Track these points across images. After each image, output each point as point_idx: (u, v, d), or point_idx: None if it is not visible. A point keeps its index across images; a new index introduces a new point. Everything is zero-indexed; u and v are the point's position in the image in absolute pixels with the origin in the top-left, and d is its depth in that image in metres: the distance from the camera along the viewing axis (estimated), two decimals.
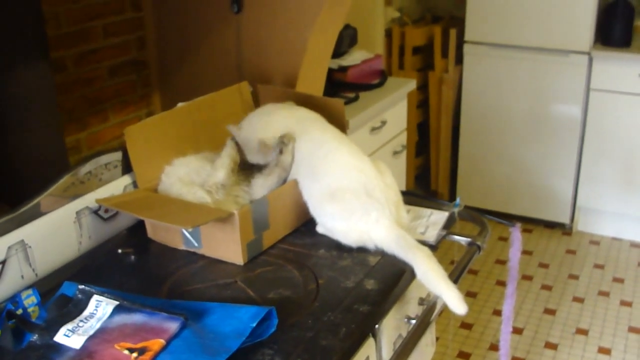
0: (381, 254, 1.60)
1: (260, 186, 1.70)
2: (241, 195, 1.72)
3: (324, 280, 1.51)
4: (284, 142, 1.71)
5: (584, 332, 3.20)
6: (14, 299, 1.40)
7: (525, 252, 3.86)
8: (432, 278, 1.49)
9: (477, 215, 1.86)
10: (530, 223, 4.16)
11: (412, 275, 1.56)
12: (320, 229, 1.71)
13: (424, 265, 1.51)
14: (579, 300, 3.45)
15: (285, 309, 1.38)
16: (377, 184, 1.63)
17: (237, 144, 1.76)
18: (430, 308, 1.53)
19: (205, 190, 1.67)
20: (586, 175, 3.97)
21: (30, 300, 1.41)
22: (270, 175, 1.71)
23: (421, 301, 1.68)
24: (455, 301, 1.46)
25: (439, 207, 1.83)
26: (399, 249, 1.56)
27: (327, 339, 1.30)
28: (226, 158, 1.73)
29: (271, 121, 1.78)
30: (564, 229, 4.15)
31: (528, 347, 3.09)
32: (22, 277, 1.48)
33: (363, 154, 1.71)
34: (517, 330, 3.18)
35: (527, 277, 3.63)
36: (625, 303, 3.41)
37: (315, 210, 1.68)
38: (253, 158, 1.77)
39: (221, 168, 1.70)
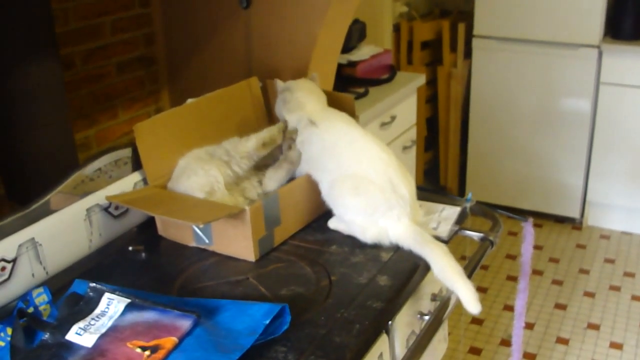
0: (394, 249, 1.59)
1: (270, 179, 1.70)
2: (248, 188, 1.72)
3: (336, 276, 1.49)
4: (292, 139, 1.71)
5: (595, 327, 3.18)
6: (25, 297, 1.40)
7: (536, 247, 3.84)
8: (449, 275, 1.48)
9: (489, 211, 1.85)
10: (540, 218, 4.14)
11: (425, 271, 1.55)
12: (332, 224, 1.70)
13: (441, 262, 1.50)
14: (590, 295, 3.43)
15: (298, 305, 1.37)
16: (402, 179, 1.62)
17: (284, 133, 1.76)
18: (443, 304, 1.52)
19: (223, 162, 1.68)
20: (596, 169, 3.95)
21: (41, 298, 1.40)
22: (279, 169, 1.71)
23: (434, 297, 1.66)
24: (470, 299, 1.45)
25: (450, 202, 1.82)
26: (416, 245, 1.55)
27: (341, 335, 1.29)
28: (265, 132, 1.73)
29: (302, 102, 1.81)
30: (574, 224, 4.13)
31: (539, 342, 3.08)
32: (33, 275, 1.47)
33: (386, 146, 1.70)
34: (528, 326, 3.17)
35: (537, 272, 3.61)
36: (636, 298, 3.39)
37: (335, 201, 1.65)
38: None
39: (254, 137, 1.71)
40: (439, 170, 4.41)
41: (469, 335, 3.13)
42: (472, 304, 1.45)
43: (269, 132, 1.73)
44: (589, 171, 3.98)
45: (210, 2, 2.32)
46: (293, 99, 1.81)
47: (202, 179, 1.65)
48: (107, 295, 1.35)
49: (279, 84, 1.89)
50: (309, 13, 2.15)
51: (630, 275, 3.59)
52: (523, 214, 1.95)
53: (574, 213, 4.09)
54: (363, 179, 1.60)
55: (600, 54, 3.75)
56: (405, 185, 1.61)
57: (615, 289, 3.47)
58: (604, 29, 3.76)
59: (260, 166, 1.76)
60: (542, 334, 3.13)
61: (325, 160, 1.67)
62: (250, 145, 1.71)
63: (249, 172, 1.74)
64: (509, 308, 3.29)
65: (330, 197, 1.66)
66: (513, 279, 3.53)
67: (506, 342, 3.06)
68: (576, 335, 3.13)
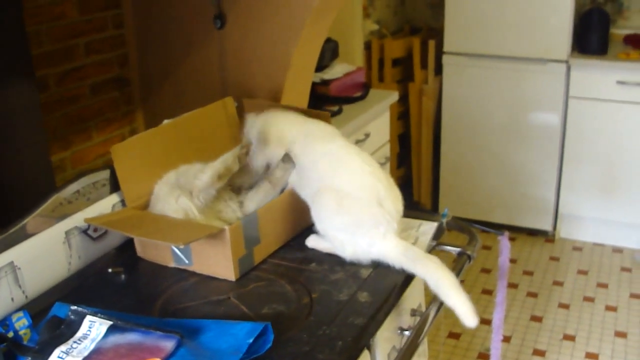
0: (373, 266, 1.60)
1: (250, 200, 1.70)
2: (224, 211, 1.71)
3: (317, 294, 1.50)
4: (284, 161, 1.70)
5: (571, 338, 3.22)
6: (4, 321, 1.39)
7: (510, 260, 3.85)
8: (445, 289, 1.49)
9: (466, 225, 1.87)
10: (513, 231, 4.18)
11: (404, 286, 1.56)
12: (310, 242, 1.70)
13: (435, 275, 1.50)
14: (564, 306, 3.47)
15: (280, 324, 1.37)
16: (391, 194, 1.61)
17: (244, 153, 1.71)
18: (424, 320, 1.53)
19: (189, 194, 1.65)
20: (567, 182, 4.01)
21: (21, 322, 1.39)
22: (259, 189, 1.71)
23: (413, 312, 1.68)
24: (467, 313, 1.47)
25: (426, 218, 1.84)
26: (408, 261, 1.55)
27: (324, 352, 1.30)
28: (220, 162, 1.65)
29: (284, 121, 1.78)
30: (546, 236, 4.18)
31: (517, 355, 3.10)
32: (12, 299, 1.46)
33: (373, 159, 1.70)
34: (505, 339, 3.19)
35: (512, 285, 3.65)
36: (610, 308, 3.43)
37: (318, 215, 1.63)
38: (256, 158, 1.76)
39: (208, 169, 1.64)
40: (412, 186, 4.44)
41: (446, 349, 3.15)
42: (469, 317, 1.47)
43: (223, 163, 1.65)
44: (561, 184, 4.03)
45: (184, 23, 2.33)
46: (269, 137, 1.75)
47: (174, 207, 1.64)
48: (88, 317, 1.34)
49: (248, 119, 1.83)
50: (283, 33, 2.17)
51: (604, 285, 3.64)
52: (496, 227, 1.97)
53: (547, 226, 4.14)
54: (348, 195, 1.59)
55: (568, 69, 3.81)
56: (393, 200, 1.61)
57: (589, 299, 3.52)
58: (571, 44, 3.83)
59: (236, 186, 1.76)
60: (519, 346, 3.16)
61: (310, 180, 1.66)
62: (205, 179, 1.64)
63: (223, 193, 1.73)
64: (486, 322, 3.31)
65: (313, 211, 1.65)
66: (488, 292, 3.56)
67: (484, 356, 3.08)
68: (552, 346, 3.16)
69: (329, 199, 1.61)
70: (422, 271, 1.53)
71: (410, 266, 1.55)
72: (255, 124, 1.80)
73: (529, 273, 3.78)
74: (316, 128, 1.77)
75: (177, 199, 1.64)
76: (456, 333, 3.24)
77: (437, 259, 1.54)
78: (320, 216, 1.64)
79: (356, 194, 1.60)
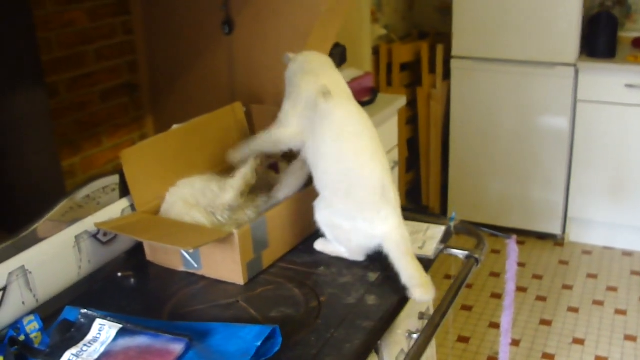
0: (381, 269, 1.61)
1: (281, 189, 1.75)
2: (242, 218, 1.73)
3: (325, 297, 1.51)
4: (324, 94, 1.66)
5: (580, 341, 3.21)
6: (16, 325, 1.40)
7: (519, 264, 3.87)
8: (408, 269, 1.52)
9: (473, 229, 1.87)
10: (522, 235, 4.18)
11: None
12: (318, 246, 1.71)
13: (404, 275, 1.52)
14: (574, 310, 3.46)
15: (288, 327, 1.38)
16: (393, 186, 1.62)
17: (257, 165, 1.73)
18: (432, 322, 1.53)
19: (208, 212, 1.67)
20: (576, 186, 4.00)
21: (32, 326, 1.41)
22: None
23: (421, 315, 1.68)
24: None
25: (434, 222, 1.84)
26: (397, 251, 1.55)
27: (332, 355, 1.31)
28: (240, 179, 1.70)
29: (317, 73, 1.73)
30: (555, 240, 4.17)
31: (526, 359, 3.10)
32: (24, 303, 1.47)
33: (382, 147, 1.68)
34: (514, 342, 3.19)
35: (521, 289, 3.64)
36: (619, 312, 3.42)
37: (324, 196, 1.64)
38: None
39: (231, 189, 1.69)
40: (420, 190, 4.45)
41: (455, 353, 3.15)
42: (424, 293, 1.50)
43: (243, 179, 1.71)
44: (570, 187, 4.03)
45: (193, 29, 2.35)
46: (310, 68, 1.74)
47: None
48: (98, 321, 1.36)
49: (289, 56, 1.82)
50: (291, 38, 2.18)
51: (613, 289, 3.63)
52: (505, 231, 1.97)
53: (556, 230, 4.14)
54: (357, 183, 1.59)
55: (576, 72, 3.81)
56: (394, 191, 1.61)
57: (599, 303, 3.51)
58: (579, 47, 3.83)
59: (252, 194, 1.78)
60: (528, 350, 3.16)
61: (328, 146, 1.63)
62: (229, 198, 1.69)
63: (243, 203, 1.75)
64: (495, 325, 3.31)
65: (321, 197, 1.65)
66: (497, 296, 3.56)
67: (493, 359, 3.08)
68: (562, 350, 3.16)
69: (337, 180, 1.62)
70: (401, 266, 1.54)
71: (395, 256, 1.55)
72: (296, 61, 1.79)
73: (539, 277, 3.78)
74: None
75: (194, 217, 1.66)
76: (465, 337, 3.24)
77: (420, 266, 1.55)
78: (326, 201, 1.64)
79: (365, 181, 1.59)
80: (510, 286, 1.91)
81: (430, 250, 1.69)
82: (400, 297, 1.52)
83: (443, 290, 1.59)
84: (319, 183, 1.65)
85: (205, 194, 1.71)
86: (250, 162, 1.73)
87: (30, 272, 1.48)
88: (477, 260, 1.73)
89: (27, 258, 1.48)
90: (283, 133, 1.70)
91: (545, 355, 3.13)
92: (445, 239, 1.77)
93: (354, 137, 1.64)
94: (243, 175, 1.71)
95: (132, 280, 1.64)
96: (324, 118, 1.63)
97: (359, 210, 1.60)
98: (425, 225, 1.82)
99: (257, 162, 1.74)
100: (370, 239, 1.61)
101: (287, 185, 1.75)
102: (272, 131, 1.71)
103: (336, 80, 1.73)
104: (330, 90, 1.66)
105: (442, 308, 1.54)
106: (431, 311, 1.76)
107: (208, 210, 1.68)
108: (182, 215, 1.67)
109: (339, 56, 3.22)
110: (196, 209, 1.68)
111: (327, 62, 1.81)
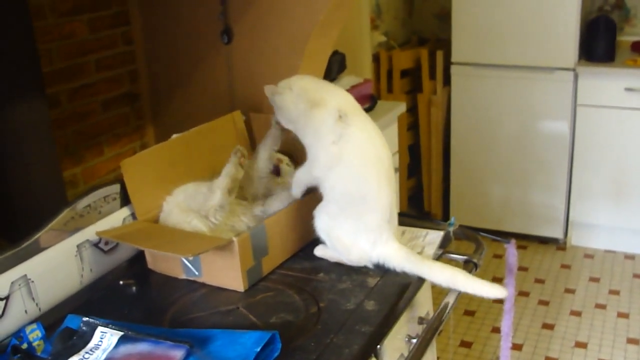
0: (380, 275, 1.62)
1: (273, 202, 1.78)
2: (237, 224, 1.74)
3: (324, 303, 1.52)
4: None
5: (583, 345, 3.21)
6: (19, 333, 1.42)
7: (521, 269, 3.88)
8: (462, 279, 1.57)
9: (472, 233, 1.88)
10: (524, 239, 4.19)
11: (412, 294, 1.58)
12: (318, 251, 1.73)
13: (447, 272, 1.57)
14: (576, 313, 3.46)
15: (288, 333, 1.40)
16: (395, 200, 1.65)
17: (241, 160, 1.70)
18: (431, 326, 1.55)
19: (202, 216, 1.68)
20: (577, 189, 4.01)
21: (34, 334, 1.42)
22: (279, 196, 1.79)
23: (421, 320, 1.69)
24: (492, 289, 1.57)
25: (433, 227, 1.86)
26: (412, 265, 1.60)
27: None
28: (224, 178, 1.67)
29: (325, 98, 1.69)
30: (557, 244, 4.18)
31: None
32: (26, 311, 1.49)
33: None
34: (516, 347, 3.19)
35: (523, 293, 3.65)
36: (622, 315, 3.43)
37: (328, 209, 1.66)
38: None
39: (217, 189, 1.67)
40: (422, 196, 4.46)
41: (458, 358, 3.15)
42: (496, 291, 1.57)
43: (227, 177, 1.67)
44: (571, 191, 4.03)
45: (192, 38, 2.37)
46: (313, 96, 1.69)
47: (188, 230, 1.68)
48: (100, 328, 1.37)
49: (269, 88, 1.78)
50: (289, 46, 2.20)
51: (616, 292, 3.63)
52: (507, 236, 1.98)
53: (558, 234, 4.14)
54: (368, 208, 1.62)
55: (576, 77, 3.82)
56: (397, 205, 1.65)
57: (601, 307, 3.51)
58: (578, 51, 3.84)
59: (250, 196, 1.80)
60: (531, 354, 3.16)
61: (347, 167, 1.63)
62: (217, 198, 1.66)
63: (236, 208, 1.76)
64: (497, 330, 3.31)
65: (325, 208, 1.67)
66: (500, 301, 3.53)
67: None
68: (564, 354, 3.16)
69: (347, 197, 1.64)
70: (428, 271, 1.58)
71: (414, 268, 1.60)
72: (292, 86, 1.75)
73: (541, 281, 3.78)
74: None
75: (190, 223, 1.67)
76: (468, 342, 3.25)
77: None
78: (321, 214, 1.67)
79: (375, 203, 1.62)
80: (510, 290, 1.92)
81: (429, 255, 1.70)
82: (399, 302, 1.53)
83: (443, 295, 1.60)
84: (325, 195, 1.67)
85: (196, 198, 1.71)
86: (232, 158, 1.69)
87: (33, 281, 1.50)
88: (475, 265, 1.74)
89: (29, 267, 1.49)
90: (321, 169, 1.67)
91: (548, 359, 3.13)
92: (444, 244, 1.79)
93: (376, 161, 1.65)
94: (227, 173, 1.68)
95: (134, 288, 1.65)
96: (347, 142, 1.64)
97: (364, 231, 1.63)
98: (424, 231, 1.83)
99: (238, 157, 1.69)
100: (368, 258, 1.65)
101: (281, 200, 1.78)
102: (312, 171, 1.68)
103: (341, 96, 1.73)
104: (344, 110, 1.66)
105: (441, 313, 1.55)
106: (431, 316, 1.77)
107: (201, 214, 1.69)
108: (181, 223, 1.69)
109: (338, 63, 3.23)
110: (192, 214, 1.69)
111: (321, 82, 1.80)
